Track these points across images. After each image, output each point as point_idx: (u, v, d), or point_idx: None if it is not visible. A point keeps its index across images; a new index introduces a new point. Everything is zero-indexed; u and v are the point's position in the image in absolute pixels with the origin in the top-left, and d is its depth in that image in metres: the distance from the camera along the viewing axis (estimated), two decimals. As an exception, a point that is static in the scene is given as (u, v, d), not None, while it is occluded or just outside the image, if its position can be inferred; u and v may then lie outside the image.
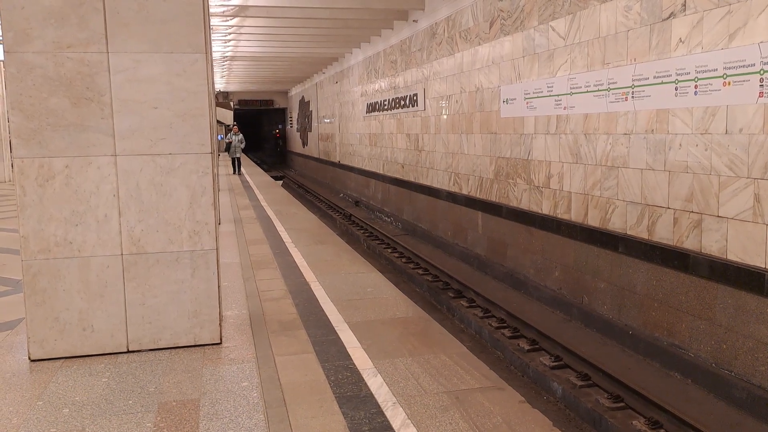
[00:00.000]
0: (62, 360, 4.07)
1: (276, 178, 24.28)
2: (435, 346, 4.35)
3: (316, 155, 29.36)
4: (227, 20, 13.95)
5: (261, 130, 47.48)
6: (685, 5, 6.04)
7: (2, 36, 3.92)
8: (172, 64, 4.15)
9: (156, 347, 4.23)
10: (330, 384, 3.72)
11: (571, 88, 7.95)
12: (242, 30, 15.40)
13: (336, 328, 4.71)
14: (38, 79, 3.94)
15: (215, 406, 3.44)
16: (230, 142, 21.15)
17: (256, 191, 15.72)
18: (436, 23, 12.50)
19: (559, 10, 8.12)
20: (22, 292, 4.08)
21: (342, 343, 4.41)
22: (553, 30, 8.28)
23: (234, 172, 21.29)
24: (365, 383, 3.72)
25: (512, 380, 6.46)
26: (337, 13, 13.44)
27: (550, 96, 8.44)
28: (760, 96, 5.28)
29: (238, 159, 21.57)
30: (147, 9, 4.08)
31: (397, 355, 4.16)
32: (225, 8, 12.60)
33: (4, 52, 3.92)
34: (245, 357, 4.15)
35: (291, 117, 38.75)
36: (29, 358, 4.08)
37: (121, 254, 4.15)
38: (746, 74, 5.39)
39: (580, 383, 6.17)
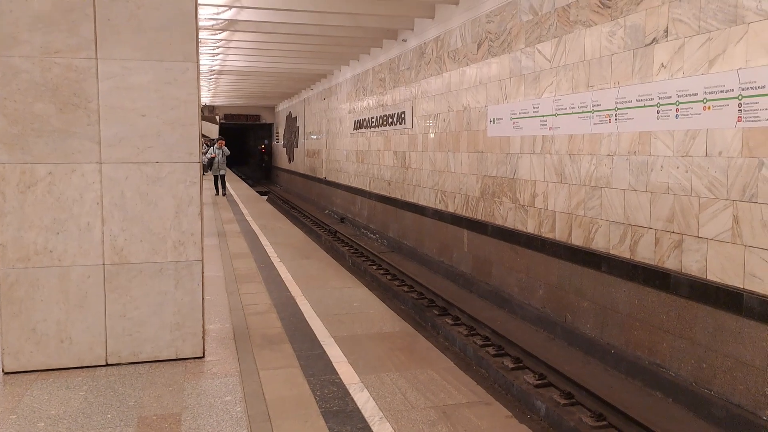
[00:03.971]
0: (38, 372, 3.97)
1: (261, 194, 24.16)
2: (422, 361, 4.32)
3: (302, 171, 29.33)
4: (216, 33, 13.95)
5: (246, 145, 47.37)
6: (667, 31, 6.16)
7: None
8: (162, 72, 4.14)
9: (136, 360, 4.15)
10: (316, 398, 3.67)
11: (556, 110, 8.04)
12: (231, 44, 15.41)
13: (322, 343, 4.67)
14: (24, 84, 3.90)
15: (197, 420, 3.38)
16: (213, 158, 18.30)
17: (241, 205, 15.64)
18: (425, 43, 12.61)
19: (546, 34, 8.23)
20: (-1, 302, 3.99)
21: (328, 357, 4.37)
22: (540, 53, 8.39)
23: (217, 194, 18.49)
24: (352, 398, 3.68)
25: (498, 396, 6.44)
26: (327, 31, 13.50)
27: (536, 117, 8.52)
28: (738, 120, 5.38)
29: (223, 177, 18.87)
30: (138, 17, 4.07)
31: (383, 370, 4.13)
32: (214, 21, 12.60)
33: (-10, 56, 3.88)
34: (228, 371, 4.09)
35: (277, 133, 38.73)
36: (3, 371, 3.98)
37: (103, 264, 4.08)
38: (725, 99, 5.50)
39: (563, 401, 6.17)
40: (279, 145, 38.15)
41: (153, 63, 4.13)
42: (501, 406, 3.70)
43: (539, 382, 6.64)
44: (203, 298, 4.35)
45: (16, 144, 3.90)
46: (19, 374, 3.97)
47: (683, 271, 6.08)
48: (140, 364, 4.13)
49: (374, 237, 16.51)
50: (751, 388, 5.34)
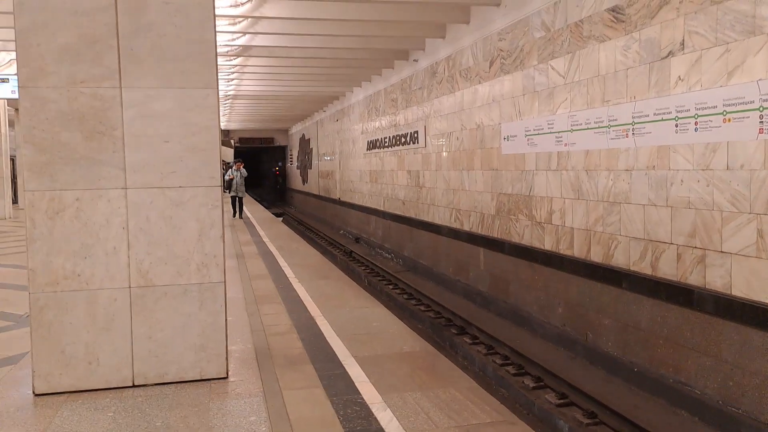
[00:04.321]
0: (67, 394, 4.03)
1: (276, 215, 24.30)
2: (444, 381, 4.32)
3: (316, 192, 29.50)
4: (231, 60, 14.19)
5: (261, 167, 47.79)
6: (683, 44, 6.17)
7: (17, 71, 4.00)
8: (184, 99, 4.23)
9: (162, 381, 4.20)
10: (339, 418, 3.68)
11: (571, 125, 8.06)
12: (245, 69, 15.65)
13: (343, 363, 4.68)
14: (51, 114, 4.00)
15: (223, 440, 3.40)
16: (231, 179, 18.30)
17: (258, 227, 15.75)
18: (436, 63, 12.73)
19: (559, 50, 8.29)
20: (28, 325, 4.06)
21: (350, 377, 4.37)
22: (553, 69, 8.43)
23: (234, 215, 18.62)
24: (375, 418, 3.69)
25: (521, 416, 6.38)
26: (340, 53, 13.68)
27: (550, 133, 8.54)
28: (760, 132, 5.35)
29: (241, 199, 18.72)
30: (161, 46, 4.17)
31: (406, 390, 4.13)
32: (229, 48, 12.83)
33: (18, 86, 4.00)
34: (252, 391, 4.12)
35: (291, 155, 39.05)
36: (34, 393, 4.04)
37: (129, 287, 4.15)
38: (746, 111, 5.48)
39: (587, 421, 6.10)
40: (293, 166, 38.44)
41: (175, 90, 4.22)
42: (526, 426, 3.69)
43: (561, 401, 6.57)
44: (226, 319, 4.39)
45: (44, 172, 4.00)
46: (49, 396, 4.03)
47: (707, 286, 6.02)
48: (166, 385, 4.17)
49: (389, 257, 16.52)
50: (780, 405, 5.26)
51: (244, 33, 11.76)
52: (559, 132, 8.35)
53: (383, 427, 3.56)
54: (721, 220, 5.84)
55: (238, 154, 31.47)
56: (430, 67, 13.09)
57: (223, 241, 4.39)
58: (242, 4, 10.05)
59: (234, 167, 18.68)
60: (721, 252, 5.84)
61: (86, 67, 4.06)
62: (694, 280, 6.18)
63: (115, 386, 4.12)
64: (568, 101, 8.12)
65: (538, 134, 8.84)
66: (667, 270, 6.53)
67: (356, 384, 4.24)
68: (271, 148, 41.55)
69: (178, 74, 4.21)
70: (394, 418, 3.67)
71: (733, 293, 5.72)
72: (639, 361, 6.95)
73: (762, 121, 5.33)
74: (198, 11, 4.21)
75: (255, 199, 34.29)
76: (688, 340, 6.24)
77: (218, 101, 4.45)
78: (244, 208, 20.18)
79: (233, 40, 12.25)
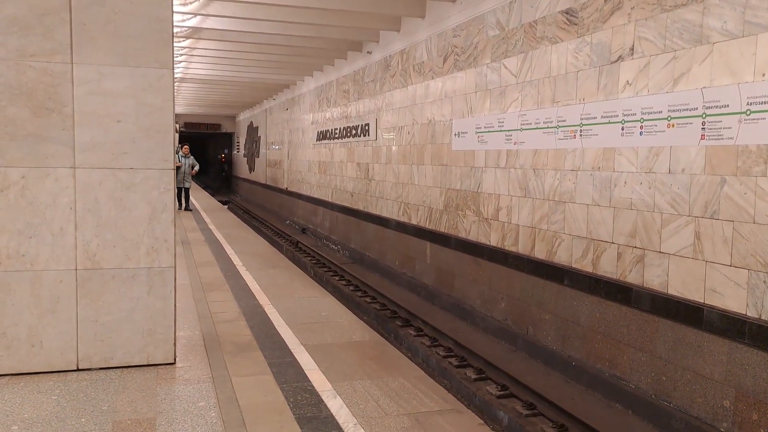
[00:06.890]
0: (8, 377, 3.91)
1: (221, 203, 23.89)
2: (393, 370, 4.38)
3: (263, 181, 29.14)
4: (179, 41, 13.84)
5: (206, 154, 46.88)
6: (632, 49, 6.41)
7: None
8: (138, 78, 4.13)
9: (107, 366, 4.11)
10: (289, 405, 3.69)
11: (521, 124, 8.25)
12: (194, 52, 15.29)
13: (293, 351, 4.69)
14: (-2, 87, 3.85)
15: (172, 425, 3.36)
16: (179, 167, 15.59)
17: (203, 214, 15.47)
18: (390, 56, 12.76)
19: (512, 49, 8.46)
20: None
21: (299, 365, 4.39)
22: (506, 68, 8.60)
23: (180, 207, 16.20)
24: (325, 404, 3.72)
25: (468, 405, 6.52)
26: (293, 41, 13.54)
27: (501, 131, 8.72)
28: (701, 138, 5.62)
29: (187, 190, 16.67)
30: (115, 23, 4.06)
31: (355, 378, 4.18)
32: (179, 29, 12.51)
33: (-38, 57, 3.82)
34: (201, 377, 4.08)
35: (238, 142, 38.44)
36: (-28, 375, 3.90)
37: (76, 269, 4.04)
38: (689, 117, 5.72)
39: (525, 412, 6.27)
40: (239, 154, 37.86)
41: (129, 69, 4.13)
42: (473, 414, 3.80)
43: (502, 392, 6.74)
44: (175, 305, 4.33)
45: (-12, 147, 3.84)
46: (-12, 378, 3.90)
47: (645, 285, 6.27)
48: (111, 370, 4.10)
49: (336, 248, 16.52)
50: (710, 401, 5.52)
51: (195, 14, 11.50)
52: (509, 130, 8.53)
53: (333, 414, 3.60)
54: (660, 221, 6.10)
55: (183, 139, 30.70)
56: (384, 60, 13.12)
57: (175, 226, 4.32)
58: (195, -16, 9.84)
59: (181, 153, 16.62)
60: (660, 252, 6.10)
61: (36, 40, 3.92)
62: (632, 278, 6.44)
63: (59, 369, 4.02)
64: (519, 100, 8.30)
65: (489, 132, 9.01)
66: (608, 268, 6.78)
67: (306, 371, 4.26)
68: (218, 134, 40.79)
69: (133, 52, 4.11)
70: (344, 406, 3.71)
71: (670, 292, 5.98)
72: (577, 355, 7.20)
73: (704, 128, 5.59)
74: (155, -12, 4.11)
75: (199, 185, 33.62)
76: (625, 336, 6.51)
77: (173, 82, 4.37)
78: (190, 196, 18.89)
79: (183, 21, 11.96)
